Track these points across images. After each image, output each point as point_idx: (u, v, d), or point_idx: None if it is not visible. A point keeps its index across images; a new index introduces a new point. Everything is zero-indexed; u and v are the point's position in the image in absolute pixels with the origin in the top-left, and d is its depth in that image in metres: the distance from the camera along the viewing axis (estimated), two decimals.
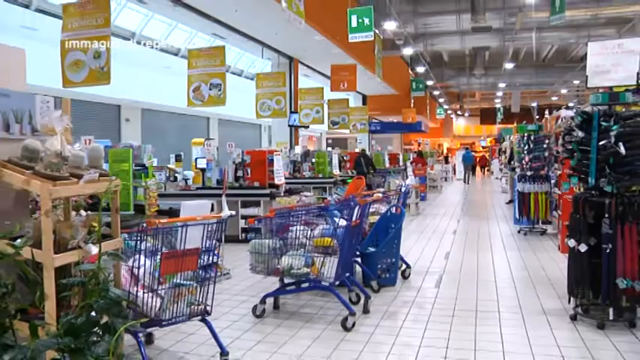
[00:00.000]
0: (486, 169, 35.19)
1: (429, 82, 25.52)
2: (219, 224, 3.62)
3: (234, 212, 3.85)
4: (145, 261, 3.45)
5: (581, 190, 5.73)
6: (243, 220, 8.47)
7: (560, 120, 8.67)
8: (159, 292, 3.41)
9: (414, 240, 9.08)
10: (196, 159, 9.97)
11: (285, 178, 9.66)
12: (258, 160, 9.02)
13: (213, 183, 9.04)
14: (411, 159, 20.09)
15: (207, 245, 3.67)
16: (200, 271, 3.61)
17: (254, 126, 20.85)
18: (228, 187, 8.46)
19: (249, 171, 9.12)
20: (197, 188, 8.92)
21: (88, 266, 2.14)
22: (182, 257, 3.41)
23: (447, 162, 29.66)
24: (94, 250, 2.82)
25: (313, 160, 12.92)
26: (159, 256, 3.39)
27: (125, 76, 11.62)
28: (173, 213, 5.21)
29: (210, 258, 3.76)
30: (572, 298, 4.66)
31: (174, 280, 3.46)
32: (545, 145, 9.27)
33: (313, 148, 19.43)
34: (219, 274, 5.97)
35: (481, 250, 7.89)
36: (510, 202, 13.73)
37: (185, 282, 3.50)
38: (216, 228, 3.62)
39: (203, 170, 9.36)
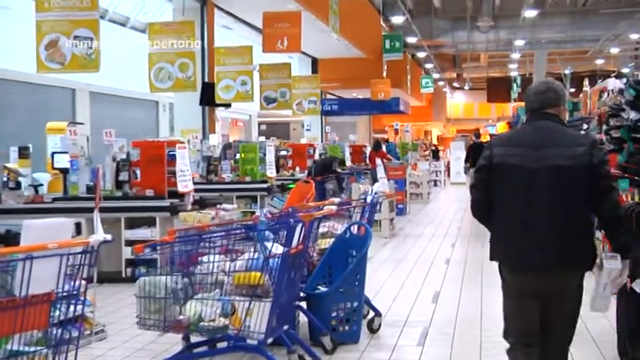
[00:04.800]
0: None
1: (411, 39, 25.95)
2: (88, 255, 3.56)
3: (110, 236, 3.78)
4: None
5: (635, 199, 5.94)
6: (129, 248, 8.34)
7: (606, 94, 8.95)
8: None
9: (386, 274, 9.15)
10: (53, 154, 9.74)
11: (195, 183, 9.57)
12: (153, 157, 8.98)
13: (80, 191, 8.96)
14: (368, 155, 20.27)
15: (68, 288, 3.58)
16: (54, 330, 3.52)
17: (147, 104, 20.58)
18: (105, 198, 8.38)
19: (138, 173, 9.06)
20: (54, 199, 8.83)
21: None
22: (23, 308, 3.32)
23: (435, 158, 30.25)
24: None
25: (237, 155, 12.86)
26: None
27: None
28: (9, 238, 5.07)
29: (73, 308, 3.67)
30: None
31: (8, 347, 3.37)
32: (583, 132, 9.55)
33: (238, 138, 19.42)
34: (87, 332, 5.83)
35: (487, 289, 8.06)
36: None
37: (27, 348, 3.42)
38: (83, 261, 3.55)
39: (64, 171, 9.18)
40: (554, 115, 3.79)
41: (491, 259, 3.86)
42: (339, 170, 15.27)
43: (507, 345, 3.85)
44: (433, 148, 35.96)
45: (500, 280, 3.89)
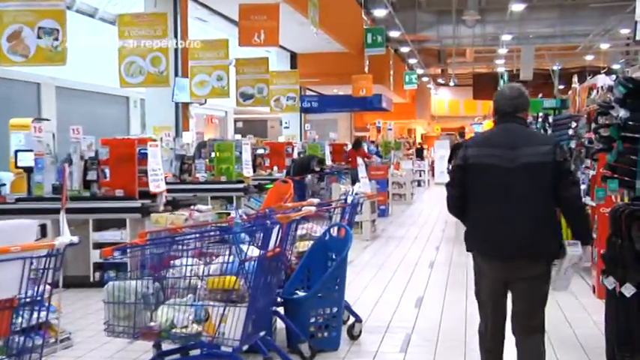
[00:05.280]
0: None
1: (394, 33, 26.03)
2: (53, 258, 3.54)
3: (77, 239, 3.76)
4: None
5: (625, 200, 5.99)
6: (97, 251, 8.29)
7: (596, 91, 9.03)
8: None
9: (367, 278, 9.18)
10: (17, 152, 9.68)
11: (168, 183, 9.57)
12: (123, 155, 8.97)
13: (45, 191, 8.91)
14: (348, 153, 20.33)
15: (31, 293, 3.56)
16: (16, 338, 3.49)
17: (117, 99, 20.43)
18: (72, 198, 8.35)
19: (107, 172, 9.05)
20: (17, 200, 8.81)
21: None
22: None
23: (419, 157, 30.37)
24: None
25: (212, 154, 12.83)
26: None
27: None
28: None
29: (36, 315, 3.65)
30: None
31: None
32: (571, 131, 9.67)
33: (213, 136, 19.35)
34: (52, 340, 5.81)
35: (472, 293, 8.03)
36: None
37: None
38: (48, 265, 3.52)
39: (29, 170, 9.13)
40: (521, 118, 4.39)
41: (468, 250, 4.44)
42: (318, 169, 15.29)
43: (480, 328, 4.52)
44: (418, 146, 36.11)
45: None
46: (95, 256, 8.38)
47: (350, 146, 21.21)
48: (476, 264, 4.47)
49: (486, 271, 4.37)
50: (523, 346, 4.31)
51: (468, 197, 4.35)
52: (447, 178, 4.83)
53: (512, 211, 4.16)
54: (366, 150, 21.12)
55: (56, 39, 8.75)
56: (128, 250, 5.40)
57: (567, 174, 4.26)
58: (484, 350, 4.50)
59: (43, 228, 8.36)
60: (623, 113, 4.96)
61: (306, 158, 15.78)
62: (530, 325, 4.31)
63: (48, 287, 3.67)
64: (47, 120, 14.01)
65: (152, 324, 4.70)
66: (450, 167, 5.23)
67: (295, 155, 16.87)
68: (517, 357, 4.33)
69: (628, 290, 4.52)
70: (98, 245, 8.26)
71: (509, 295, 4.39)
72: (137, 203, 8.66)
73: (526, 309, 4.30)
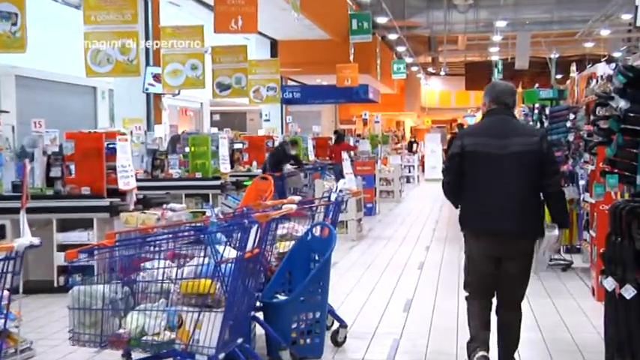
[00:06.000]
0: None
1: (381, 19, 26.06)
2: (12, 261, 3.56)
3: (38, 240, 3.75)
4: None
5: (625, 196, 6.01)
6: (61, 254, 8.25)
7: (595, 81, 9.07)
8: None
9: (353, 281, 9.19)
10: None
11: (139, 180, 9.55)
12: (90, 150, 8.96)
13: (5, 189, 8.91)
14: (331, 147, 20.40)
15: None
16: None
17: (83, 90, 20.31)
18: (34, 197, 8.33)
19: (72, 168, 9.05)
20: None
21: None
22: None
23: (411, 151, 30.46)
24: None
25: (187, 149, 12.80)
26: None
27: None
28: None
29: None
30: None
31: None
32: (569, 124, 9.73)
33: (188, 130, 19.30)
34: (11, 351, 5.72)
35: (464, 296, 8.08)
36: None
37: None
38: (6, 268, 3.51)
39: None
40: (512, 111, 5.30)
41: (462, 229, 5.32)
42: (294, 153, 15.30)
43: (466, 294, 5.40)
44: (412, 139, 36.18)
45: None
46: (59, 258, 8.36)
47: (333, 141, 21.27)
48: (468, 247, 5.34)
49: (476, 249, 5.23)
50: (503, 318, 5.25)
51: (463, 182, 5.18)
52: (439, 174, 5.41)
53: (501, 193, 5.04)
54: (350, 143, 21.21)
55: (14, 24, 8.66)
56: (95, 252, 5.36)
57: (551, 163, 5.13)
58: (473, 322, 5.29)
59: (1, 229, 8.32)
60: (622, 104, 4.97)
61: (278, 146, 15.82)
62: (513, 300, 5.24)
63: (6, 293, 3.65)
64: (6, 112, 13.92)
65: (121, 331, 4.68)
66: (448, 155, 5.72)
67: None
68: (497, 327, 5.27)
69: (628, 292, 4.51)
70: (62, 247, 8.25)
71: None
72: (105, 202, 8.64)
73: (510, 285, 5.20)
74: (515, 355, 5.36)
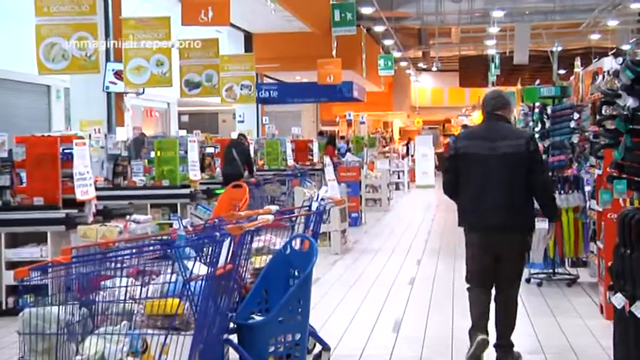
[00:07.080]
0: None
1: (367, 10, 26.10)
2: None
3: None
4: None
5: (634, 203, 6.05)
6: (10, 272, 8.21)
7: (601, 76, 9.12)
8: None
9: (336, 299, 9.20)
10: None
11: (98, 189, 9.50)
12: (43, 156, 8.95)
13: None
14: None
15: None
16: None
17: (35, 89, 20.22)
18: None
19: (23, 176, 9.07)
20: None
21: None
22: None
23: (408, 154, 30.30)
24: None
25: (152, 153, 12.76)
26: None
27: None
28: None
29: None
30: None
31: None
32: (573, 124, 9.73)
33: (153, 133, 19.26)
34: None
35: (459, 315, 8.09)
36: None
37: None
38: None
39: None
40: (502, 115, 6.27)
41: (459, 225, 6.35)
42: (246, 144, 15.45)
43: (468, 285, 6.26)
44: (405, 142, 36.16)
45: None
46: (8, 277, 8.31)
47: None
48: (467, 241, 6.33)
49: (474, 243, 6.24)
50: (500, 304, 6.17)
51: (459, 181, 6.23)
52: (430, 180, 6.19)
53: (493, 191, 6.01)
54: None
55: None
56: (49, 270, 5.33)
57: (538, 163, 6.21)
58: (473, 310, 6.16)
59: None
60: (630, 102, 4.98)
61: (240, 142, 15.93)
62: (509, 290, 6.21)
63: None
64: None
65: (78, 358, 4.64)
66: (446, 157, 6.75)
67: (252, 154, 16.96)
68: (495, 311, 6.17)
69: (639, 310, 4.50)
70: (12, 265, 8.24)
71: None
72: (60, 213, 8.61)
73: (506, 274, 6.17)
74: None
